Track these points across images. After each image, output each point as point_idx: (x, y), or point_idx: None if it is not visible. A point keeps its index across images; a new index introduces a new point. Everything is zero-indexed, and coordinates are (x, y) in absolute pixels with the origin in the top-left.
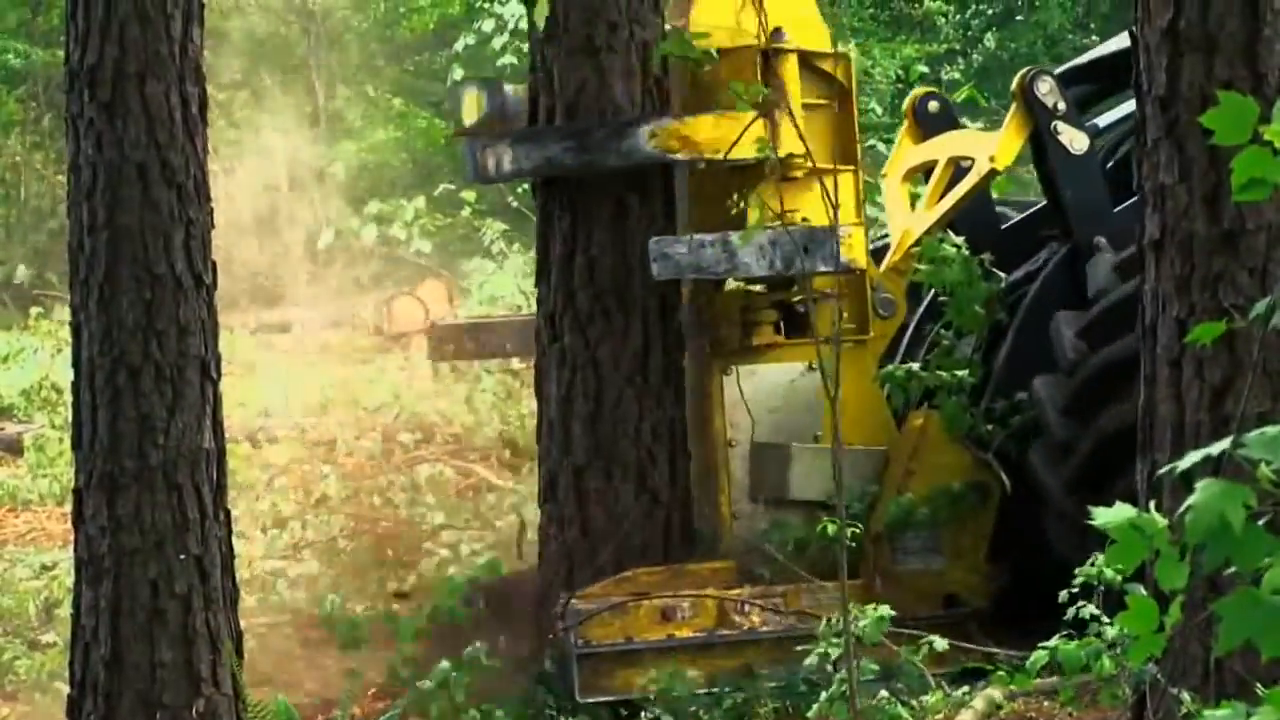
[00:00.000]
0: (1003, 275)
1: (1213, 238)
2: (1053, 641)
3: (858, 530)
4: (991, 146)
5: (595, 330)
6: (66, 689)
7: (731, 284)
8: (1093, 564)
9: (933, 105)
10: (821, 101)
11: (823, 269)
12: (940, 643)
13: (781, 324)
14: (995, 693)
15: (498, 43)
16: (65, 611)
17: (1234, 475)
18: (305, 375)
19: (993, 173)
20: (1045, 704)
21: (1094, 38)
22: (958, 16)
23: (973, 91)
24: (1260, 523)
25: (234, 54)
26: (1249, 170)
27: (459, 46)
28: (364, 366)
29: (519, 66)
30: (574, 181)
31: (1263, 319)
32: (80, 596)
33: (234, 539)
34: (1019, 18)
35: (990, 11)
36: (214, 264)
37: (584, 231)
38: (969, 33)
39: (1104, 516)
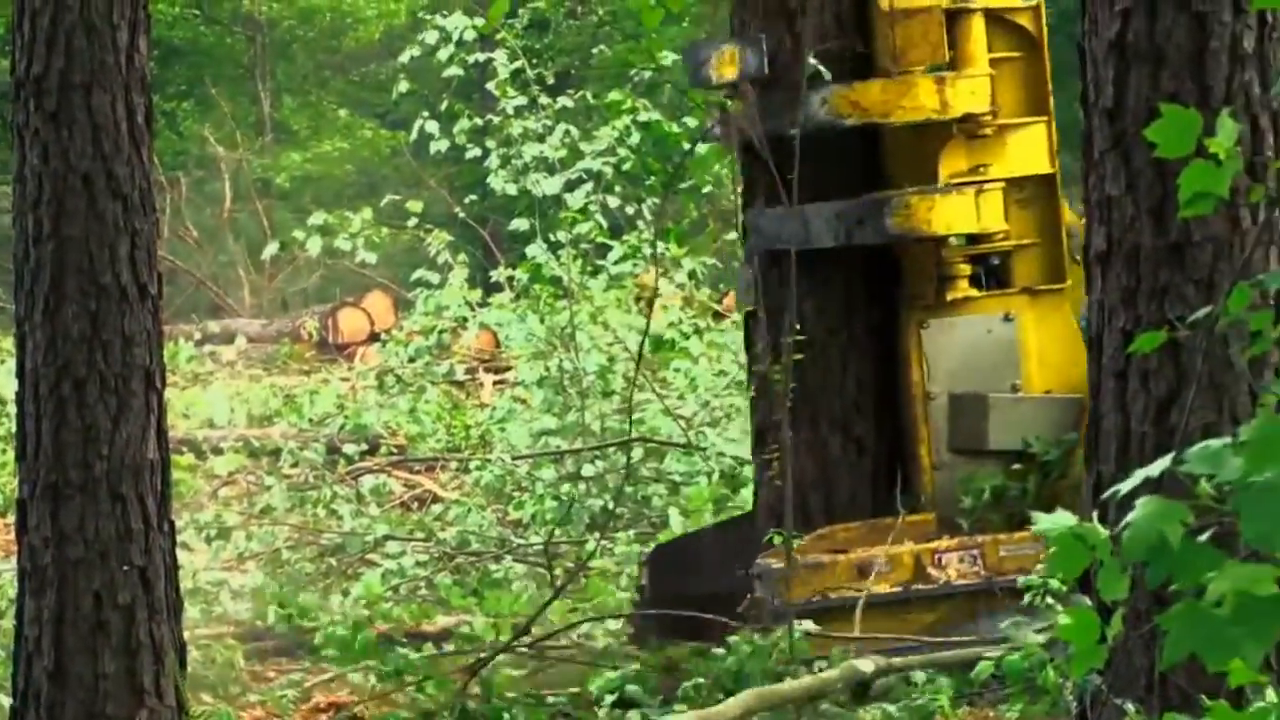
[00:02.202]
0: None
1: (1159, 250)
2: (998, 651)
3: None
4: None
5: (801, 286)
6: (8, 700)
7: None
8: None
9: None
10: (1011, 54)
11: (876, 238)
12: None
13: (982, 276)
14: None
15: (443, 54)
16: (8, 622)
17: (1176, 490)
18: (249, 386)
19: None
20: (990, 713)
21: None
22: None
23: None
24: (1204, 536)
25: (180, 64)
26: (1195, 184)
27: (404, 58)
28: (308, 377)
29: (464, 78)
30: (771, 144)
31: (1205, 326)
32: (23, 607)
33: (177, 550)
34: None
35: None
36: (159, 275)
37: (785, 192)
38: None
39: (1044, 524)
